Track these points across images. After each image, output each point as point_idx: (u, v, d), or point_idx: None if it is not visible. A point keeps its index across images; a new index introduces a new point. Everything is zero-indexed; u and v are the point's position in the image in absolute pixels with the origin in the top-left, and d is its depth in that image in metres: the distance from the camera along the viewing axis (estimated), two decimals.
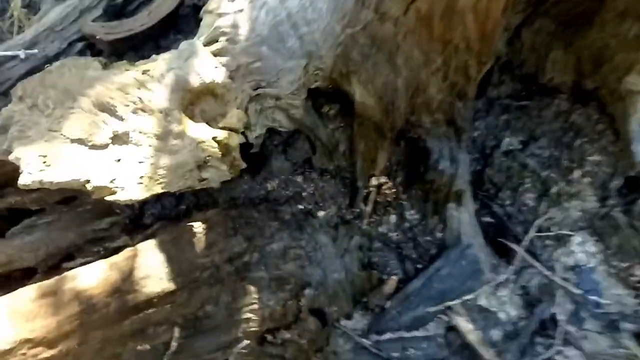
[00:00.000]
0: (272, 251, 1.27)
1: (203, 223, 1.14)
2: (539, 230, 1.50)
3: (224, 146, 1.08)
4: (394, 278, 1.44)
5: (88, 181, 0.89)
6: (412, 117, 1.31)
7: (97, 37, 1.34)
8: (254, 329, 1.22)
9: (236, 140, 1.09)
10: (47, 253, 1.12)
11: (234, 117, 1.07)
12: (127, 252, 1.03)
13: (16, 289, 1.03)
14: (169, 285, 1.04)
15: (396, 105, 1.23)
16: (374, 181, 1.43)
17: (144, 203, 1.31)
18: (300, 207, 1.37)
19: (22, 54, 1.33)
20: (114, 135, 0.93)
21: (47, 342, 0.95)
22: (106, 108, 0.95)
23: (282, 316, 1.28)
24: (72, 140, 0.90)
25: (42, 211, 1.18)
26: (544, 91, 1.57)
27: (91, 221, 1.22)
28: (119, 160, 0.93)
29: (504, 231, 1.55)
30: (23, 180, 0.87)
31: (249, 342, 1.23)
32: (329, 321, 1.40)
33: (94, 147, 0.92)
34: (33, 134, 0.88)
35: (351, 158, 1.40)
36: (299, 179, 1.41)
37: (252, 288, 1.21)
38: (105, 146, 0.93)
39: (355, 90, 1.21)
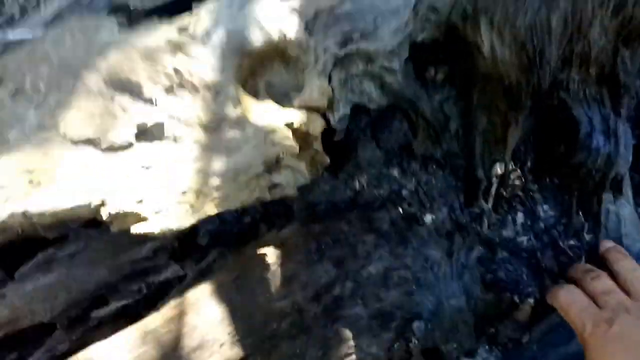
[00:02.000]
0: (370, 277, 0.91)
1: (277, 248, 0.79)
2: None
3: (301, 135, 0.72)
4: (530, 301, 1.05)
5: (102, 204, 0.56)
6: (561, 74, 0.90)
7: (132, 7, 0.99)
8: None
9: (319, 125, 0.73)
10: (68, 300, 0.79)
11: (315, 90, 0.70)
12: (169, 311, 0.68)
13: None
14: (235, 353, 0.69)
15: (546, 57, 0.83)
16: (498, 169, 1.04)
17: None
18: (401, 210, 1.00)
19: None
20: (139, 130, 0.60)
21: None
22: (126, 87, 0.61)
23: None
24: (75, 141, 0.57)
25: (62, 240, 0.85)
26: None
27: (129, 248, 0.90)
28: (148, 167, 0.59)
29: None
30: None
31: None
32: None
33: (109, 149, 0.58)
34: (15, 136, 0.56)
35: (467, 139, 1.01)
36: (396, 172, 1.03)
37: (347, 332, 0.86)
38: (126, 146, 0.59)
39: (483, 40, 0.82)
